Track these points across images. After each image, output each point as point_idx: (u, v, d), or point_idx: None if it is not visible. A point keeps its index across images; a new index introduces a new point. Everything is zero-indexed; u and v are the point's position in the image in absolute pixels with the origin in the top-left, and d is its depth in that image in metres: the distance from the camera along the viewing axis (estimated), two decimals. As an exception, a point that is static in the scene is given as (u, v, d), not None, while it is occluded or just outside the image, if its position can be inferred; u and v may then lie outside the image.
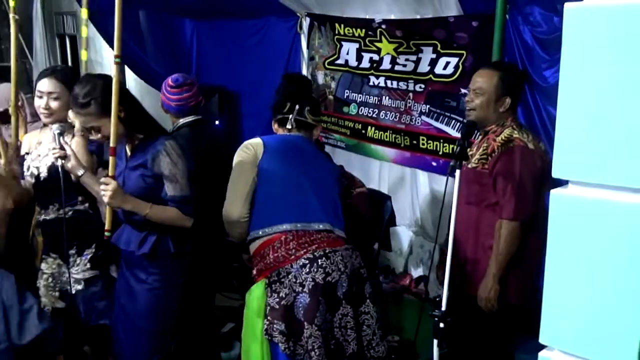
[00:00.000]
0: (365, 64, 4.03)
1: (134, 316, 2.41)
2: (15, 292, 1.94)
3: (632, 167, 0.87)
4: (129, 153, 2.40)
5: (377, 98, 4.03)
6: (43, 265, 2.57)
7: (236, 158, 2.40)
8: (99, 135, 2.29)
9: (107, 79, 2.28)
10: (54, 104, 2.48)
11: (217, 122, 4.80)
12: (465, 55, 3.42)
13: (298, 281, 2.21)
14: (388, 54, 3.84)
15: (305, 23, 4.43)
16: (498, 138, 2.37)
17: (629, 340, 0.89)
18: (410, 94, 3.79)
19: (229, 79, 4.94)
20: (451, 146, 3.54)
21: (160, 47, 4.99)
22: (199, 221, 2.40)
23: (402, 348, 3.23)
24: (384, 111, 3.99)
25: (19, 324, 1.92)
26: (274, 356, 2.22)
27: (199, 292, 2.85)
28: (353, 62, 4.11)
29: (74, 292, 2.53)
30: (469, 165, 2.42)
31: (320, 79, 4.44)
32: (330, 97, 4.37)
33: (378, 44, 3.88)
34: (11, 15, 2.67)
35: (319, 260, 2.22)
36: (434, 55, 3.58)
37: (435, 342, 1.97)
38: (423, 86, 3.70)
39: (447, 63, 3.53)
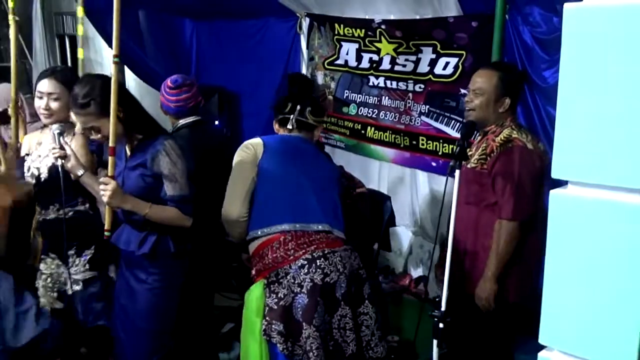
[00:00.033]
0: (364, 64, 4.03)
1: (134, 316, 2.41)
2: (12, 294, 1.94)
3: (631, 168, 0.87)
4: (128, 153, 2.40)
5: (376, 98, 4.03)
6: (42, 266, 2.56)
7: (236, 158, 2.40)
8: (99, 136, 2.29)
9: (106, 79, 2.29)
10: (54, 105, 2.48)
11: (216, 122, 4.80)
12: (464, 55, 3.42)
13: (296, 282, 2.21)
14: (388, 54, 3.84)
15: (305, 23, 4.43)
16: (497, 138, 2.37)
17: (628, 340, 0.89)
18: (410, 94, 3.79)
19: (228, 79, 4.94)
20: (451, 146, 3.54)
21: (160, 47, 4.99)
22: (199, 221, 2.40)
23: (401, 348, 3.23)
24: (383, 111, 3.99)
25: (15, 326, 1.91)
26: (273, 356, 2.22)
27: (198, 292, 2.85)
28: (353, 63, 4.11)
29: (71, 292, 2.53)
30: (468, 166, 2.42)
31: (320, 79, 4.44)
32: (330, 97, 4.36)
33: (378, 44, 3.88)
34: (10, 17, 2.67)
35: (318, 261, 2.22)
36: (433, 56, 3.58)
37: (435, 342, 1.97)
38: (423, 86, 3.71)
39: (447, 63, 3.53)
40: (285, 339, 2.17)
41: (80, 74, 3.02)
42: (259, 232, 2.31)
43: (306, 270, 2.21)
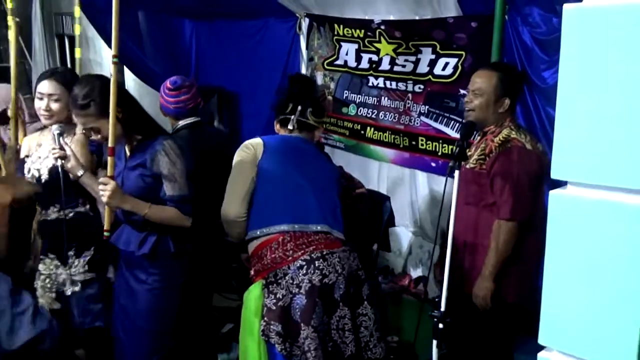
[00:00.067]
0: (364, 64, 4.03)
1: (134, 316, 2.41)
2: (8, 295, 1.92)
3: (631, 168, 0.87)
4: (128, 153, 2.40)
5: (376, 99, 4.03)
6: (40, 266, 2.56)
7: (236, 157, 2.40)
8: (99, 136, 2.29)
9: (105, 80, 2.29)
10: (54, 106, 2.48)
11: (215, 123, 4.80)
12: (464, 56, 3.42)
13: (295, 282, 2.21)
14: (387, 54, 3.84)
15: (305, 24, 4.43)
16: (496, 139, 2.37)
17: (628, 340, 0.90)
18: (410, 95, 3.79)
19: (228, 80, 4.93)
20: (450, 147, 3.54)
21: (159, 47, 4.99)
22: (199, 221, 2.40)
23: (401, 348, 3.23)
24: (383, 112, 3.99)
25: (10, 328, 1.90)
26: (271, 356, 2.22)
27: (198, 293, 2.85)
28: (352, 63, 4.11)
29: (69, 293, 2.53)
30: (467, 166, 2.42)
31: (320, 79, 4.43)
32: (330, 97, 4.36)
33: (377, 45, 3.88)
34: (10, 18, 2.67)
35: (316, 262, 2.22)
36: (433, 56, 3.58)
37: (435, 342, 1.97)
38: (422, 87, 3.70)
39: (446, 64, 3.53)
40: (283, 339, 2.17)
41: (77, 73, 3.02)
42: (258, 232, 2.31)
43: (304, 271, 2.21)
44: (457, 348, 2.59)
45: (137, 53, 4.77)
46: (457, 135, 3.25)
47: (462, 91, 3.41)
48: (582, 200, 0.93)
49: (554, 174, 0.96)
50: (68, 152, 2.35)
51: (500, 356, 2.52)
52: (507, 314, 2.42)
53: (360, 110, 4.14)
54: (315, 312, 2.18)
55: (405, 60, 3.75)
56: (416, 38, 3.62)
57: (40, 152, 2.56)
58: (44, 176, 2.51)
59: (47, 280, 2.55)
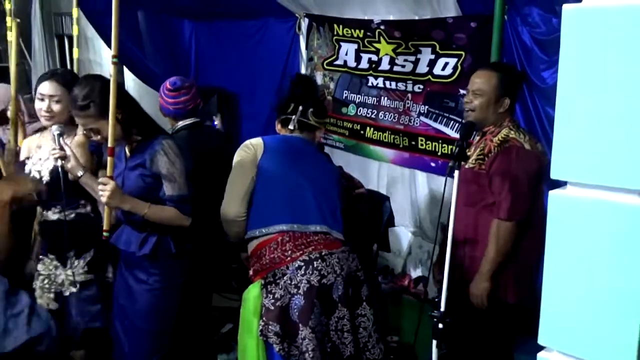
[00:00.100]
0: (363, 64, 4.03)
1: (134, 316, 2.41)
2: (3, 297, 1.91)
3: (631, 168, 0.87)
4: (128, 154, 2.40)
5: (375, 99, 4.02)
6: (40, 267, 2.56)
7: (236, 157, 2.40)
8: (99, 137, 2.29)
9: (105, 81, 2.29)
10: (55, 107, 2.48)
11: (215, 123, 4.80)
12: (463, 56, 3.42)
13: (293, 283, 2.21)
14: (387, 54, 3.84)
15: (304, 24, 4.43)
16: (495, 138, 2.38)
17: (627, 341, 0.90)
18: (409, 95, 3.79)
19: (227, 80, 4.93)
20: (450, 147, 3.54)
21: (158, 48, 4.99)
22: (199, 221, 2.40)
23: (401, 349, 3.23)
24: (382, 112, 3.99)
25: (4, 330, 1.89)
26: (270, 356, 2.22)
27: (198, 293, 2.85)
28: (352, 63, 4.11)
29: (68, 294, 2.53)
30: (467, 166, 2.42)
31: (319, 79, 4.43)
32: (329, 97, 4.36)
33: (377, 45, 3.88)
34: (9, 18, 2.67)
35: (315, 263, 2.23)
36: (432, 56, 3.58)
37: (435, 342, 1.97)
38: (422, 87, 3.70)
39: (446, 64, 3.53)
40: (281, 339, 2.17)
41: (76, 73, 3.02)
42: (257, 232, 2.31)
43: (303, 272, 2.21)
44: (457, 348, 2.59)
45: (137, 53, 4.77)
46: (457, 135, 3.25)
47: (461, 91, 3.41)
48: (582, 201, 0.93)
49: (554, 174, 0.96)
50: (68, 152, 2.35)
51: (500, 356, 2.52)
52: (507, 314, 2.42)
53: (360, 110, 4.14)
54: (313, 312, 2.18)
55: (405, 61, 3.75)
56: (416, 38, 3.62)
57: (41, 154, 2.56)
58: (45, 177, 2.51)
59: (46, 281, 2.55)
